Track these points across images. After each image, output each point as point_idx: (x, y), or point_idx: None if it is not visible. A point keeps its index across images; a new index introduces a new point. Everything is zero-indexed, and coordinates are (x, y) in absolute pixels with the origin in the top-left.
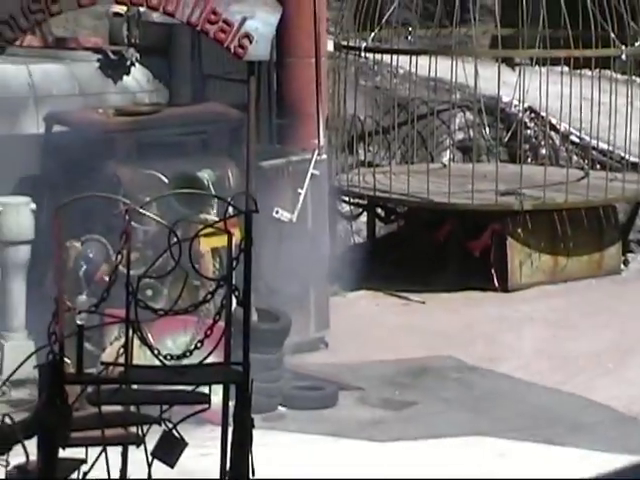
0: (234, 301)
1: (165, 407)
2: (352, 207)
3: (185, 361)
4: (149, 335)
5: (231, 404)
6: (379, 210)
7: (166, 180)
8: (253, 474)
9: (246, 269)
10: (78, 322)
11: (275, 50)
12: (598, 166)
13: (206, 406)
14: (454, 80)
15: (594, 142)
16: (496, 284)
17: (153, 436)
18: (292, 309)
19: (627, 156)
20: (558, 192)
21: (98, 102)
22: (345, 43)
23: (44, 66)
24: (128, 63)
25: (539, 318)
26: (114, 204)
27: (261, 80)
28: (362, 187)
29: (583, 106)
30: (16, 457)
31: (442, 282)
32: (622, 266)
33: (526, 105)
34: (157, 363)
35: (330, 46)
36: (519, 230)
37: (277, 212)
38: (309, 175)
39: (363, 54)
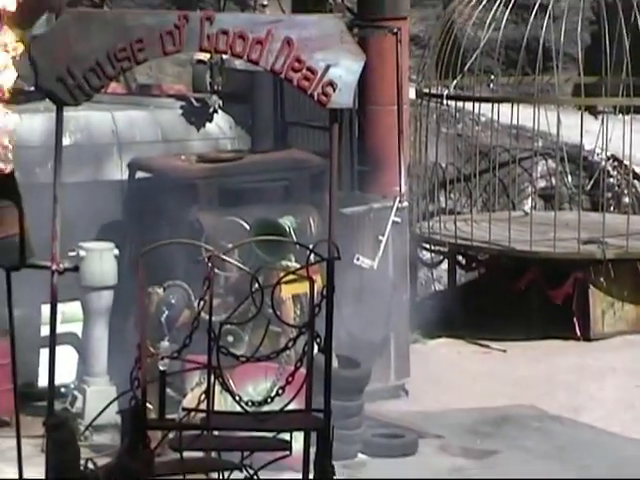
0: (315, 348)
1: (246, 453)
2: (433, 254)
3: (266, 408)
4: (230, 381)
5: (312, 451)
6: (460, 257)
7: (248, 227)
8: None
9: (327, 316)
10: (160, 368)
11: (357, 97)
12: None
13: (287, 453)
14: (536, 128)
15: None
16: (578, 333)
17: None
18: (373, 356)
19: None
20: None
21: (181, 149)
22: (427, 90)
23: (128, 113)
24: (211, 110)
25: (622, 368)
26: (196, 250)
27: (343, 127)
28: (443, 234)
29: None
30: None
31: (523, 330)
32: None
33: (609, 153)
34: (238, 409)
35: (412, 93)
36: (602, 279)
37: (358, 259)
38: (390, 222)
39: (445, 101)
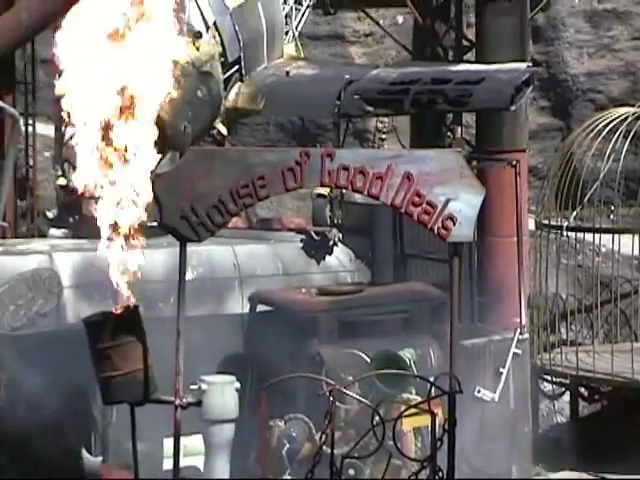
0: None
1: None
2: (554, 386)
3: None
4: None
5: None
6: (582, 389)
7: (368, 359)
8: None
9: (449, 449)
10: None
11: (476, 229)
12: None
13: None
14: None
15: None
16: None
17: None
18: None
19: None
20: None
21: (301, 282)
22: (547, 222)
23: (249, 247)
24: (331, 243)
25: None
26: (317, 383)
27: (462, 259)
28: (565, 366)
29: None
30: None
31: None
32: None
33: None
34: None
35: (531, 225)
36: None
37: (479, 391)
38: (511, 354)
39: (565, 233)
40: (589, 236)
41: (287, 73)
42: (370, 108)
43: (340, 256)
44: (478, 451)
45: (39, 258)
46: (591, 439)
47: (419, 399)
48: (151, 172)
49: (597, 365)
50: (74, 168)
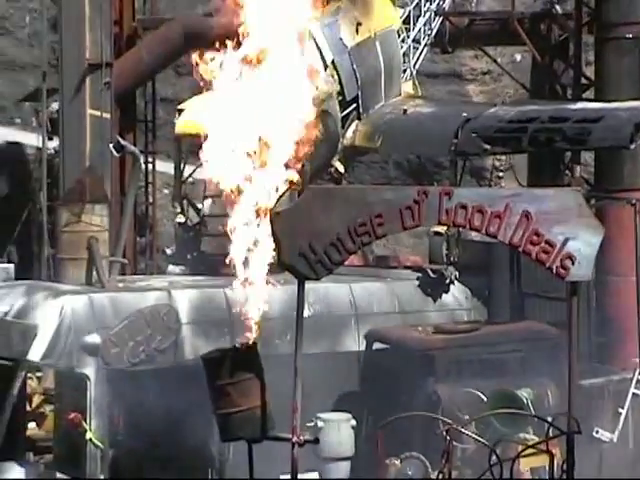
0: None
1: None
2: None
3: None
4: None
5: None
6: None
7: (485, 398)
8: None
9: None
10: None
11: (595, 268)
12: None
13: None
14: None
15: None
16: None
17: None
18: None
19: None
20: None
21: (417, 320)
22: None
23: (365, 284)
24: (447, 281)
25: None
26: (433, 422)
27: (580, 298)
28: None
29: None
30: None
31: None
32: None
33: None
34: None
35: None
36: None
37: (597, 432)
38: (630, 394)
39: None
40: None
41: (404, 111)
42: (487, 146)
43: (457, 294)
44: None
45: (158, 295)
46: None
47: (536, 439)
48: (270, 210)
49: None
50: (193, 206)
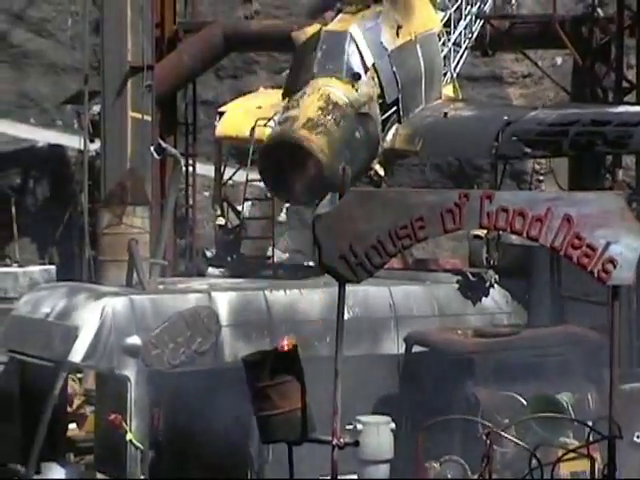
0: None
1: None
2: None
3: None
4: None
5: None
6: None
7: (525, 402)
8: None
9: None
10: None
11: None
12: None
13: None
14: None
15: None
16: None
17: None
18: None
19: None
20: None
21: (457, 323)
22: None
23: (405, 287)
24: (487, 284)
25: None
26: (472, 425)
27: (622, 302)
28: None
29: None
30: None
31: None
32: None
33: None
34: None
35: None
36: None
37: (638, 437)
38: None
39: None
40: None
41: (445, 114)
42: (528, 150)
43: (496, 297)
44: None
45: (198, 297)
46: None
47: (577, 443)
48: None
49: None
50: (233, 208)
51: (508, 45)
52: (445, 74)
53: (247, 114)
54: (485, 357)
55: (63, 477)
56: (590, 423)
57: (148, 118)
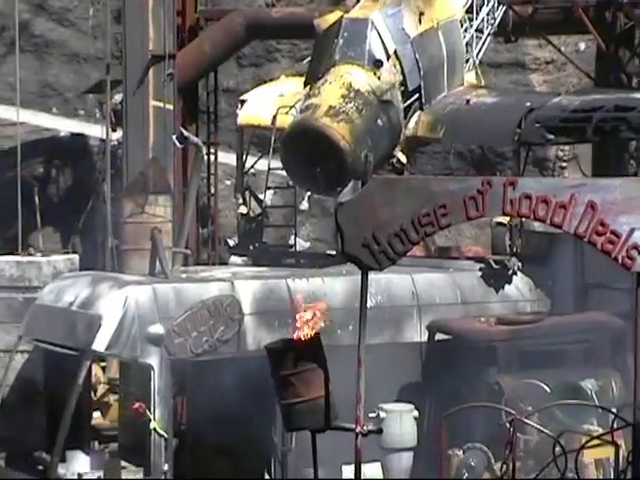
0: None
1: None
2: None
3: None
4: None
5: None
6: None
7: (548, 389)
8: None
9: None
10: None
11: None
12: None
13: None
14: None
15: None
16: None
17: None
18: None
19: None
20: None
21: (479, 311)
22: None
23: (427, 275)
24: (510, 272)
25: None
26: (496, 413)
27: None
28: None
29: None
30: None
31: None
32: None
33: None
34: None
35: None
36: None
37: None
38: None
39: None
40: None
41: (467, 101)
42: (551, 136)
43: (519, 285)
44: None
45: (221, 286)
46: None
47: (601, 430)
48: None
49: None
50: (255, 197)
51: (531, 31)
52: (467, 61)
53: (269, 102)
54: (508, 345)
55: (87, 465)
56: (614, 410)
57: (170, 107)
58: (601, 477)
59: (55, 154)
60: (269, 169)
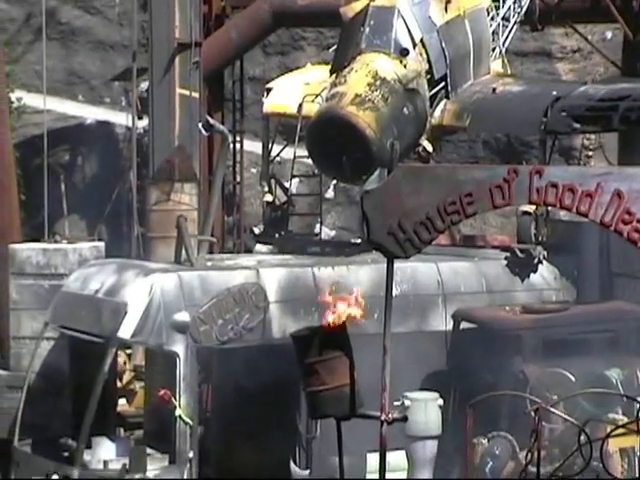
0: None
1: None
2: None
3: None
4: None
5: None
6: None
7: (573, 378)
8: None
9: None
10: None
11: None
12: None
13: None
14: None
15: None
16: None
17: None
18: None
19: None
20: None
21: (505, 300)
22: None
23: (452, 264)
24: (535, 261)
25: None
26: (520, 402)
27: None
28: None
29: None
30: None
31: None
32: None
33: None
34: None
35: None
36: None
37: None
38: None
39: None
40: None
41: (493, 90)
42: (577, 125)
43: (545, 274)
44: None
45: (246, 273)
46: None
47: (626, 419)
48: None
49: None
50: (280, 185)
51: (557, 19)
52: (494, 49)
53: (295, 90)
54: (533, 333)
55: (113, 451)
56: (639, 399)
57: (196, 95)
58: (625, 466)
59: (81, 142)
60: (295, 157)
